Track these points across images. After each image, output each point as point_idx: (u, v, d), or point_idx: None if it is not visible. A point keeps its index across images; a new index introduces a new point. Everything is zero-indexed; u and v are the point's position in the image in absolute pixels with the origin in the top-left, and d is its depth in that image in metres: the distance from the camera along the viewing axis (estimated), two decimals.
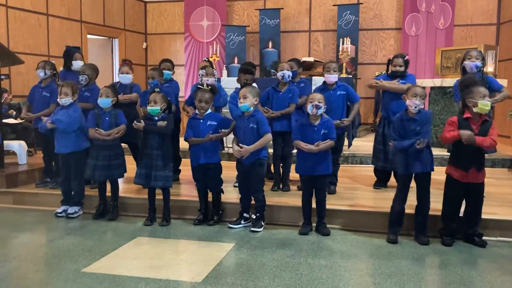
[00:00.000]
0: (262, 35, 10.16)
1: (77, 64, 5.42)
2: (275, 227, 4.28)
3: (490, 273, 3.27)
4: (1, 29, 7.38)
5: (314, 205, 4.12)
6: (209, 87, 4.30)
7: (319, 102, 3.92)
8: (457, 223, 3.82)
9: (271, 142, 4.91)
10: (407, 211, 3.91)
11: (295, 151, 4.24)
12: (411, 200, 3.90)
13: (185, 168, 5.33)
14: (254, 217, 4.21)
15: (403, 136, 3.79)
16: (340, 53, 8.08)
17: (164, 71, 5.20)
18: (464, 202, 3.82)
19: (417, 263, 3.44)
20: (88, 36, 9.43)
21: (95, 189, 4.78)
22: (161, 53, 10.74)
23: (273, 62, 9.83)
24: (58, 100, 4.49)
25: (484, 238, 3.80)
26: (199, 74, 4.98)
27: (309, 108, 3.94)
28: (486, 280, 3.15)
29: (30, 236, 4.20)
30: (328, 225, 4.14)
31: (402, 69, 4.84)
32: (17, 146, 5.90)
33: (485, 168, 3.79)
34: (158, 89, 4.48)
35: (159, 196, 4.42)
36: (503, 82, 6.41)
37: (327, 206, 4.15)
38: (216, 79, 4.96)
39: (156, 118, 4.27)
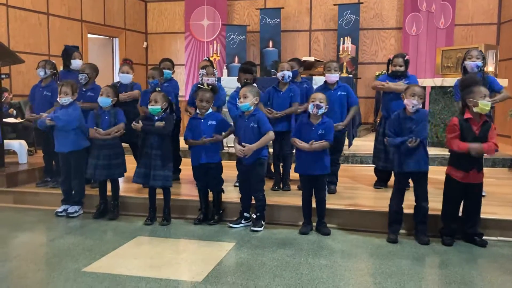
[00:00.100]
0: (263, 34, 10.16)
1: (76, 63, 5.42)
2: (276, 226, 4.28)
3: (490, 272, 3.27)
4: (2, 28, 7.38)
5: (314, 205, 4.12)
6: (210, 86, 4.30)
7: (320, 102, 3.92)
8: (457, 223, 3.82)
9: (271, 142, 4.92)
10: (407, 210, 3.91)
11: (295, 150, 4.24)
12: (411, 200, 3.90)
13: (186, 167, 5.33)
14: (254, 216, 4.21)
15: (399, 134, 3.82)
16: (341, 52, 8.07)
17: (164, 70, 5.20)
18: (463, 201, 3.82)
19: (417, 263, 3.44)
20: (89, 35, 9.43)
21: (96, 189, 4.79)
22: (161, 52, 10.73)
23: (274, 61, 9.83)
24: (58, 99, 4.49)
25: (484, 237, 3.80)
26: (200, 74, 4.98)
27: (310, 108, 3.94)
28: (487, 279, 3.15)
29: (31, 235, 4.20)
30: (328, 225, 4.14)
31: (402, 69, 4.84)
32: (18, 145, 5.91)
33: (486, 168, 3.80)
34: (159, 89, 4.47)
35: (159, 195, 4.43)
36: (503, 81, 6.41)
37: (328, 206, 4.15)
38: (216, 79, 4.95)
39: (156, 118, 4.28)
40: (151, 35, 11.31)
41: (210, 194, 4.42)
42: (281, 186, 5.01)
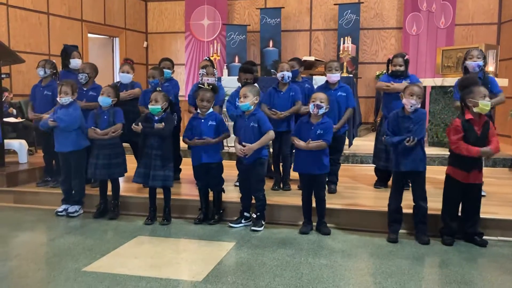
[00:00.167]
0: (263, 34, 10.16)
1: (75, 63, 5.42)
2: (276, 226, 4.28)
3: (490, 272, 3.27)
4: (2, 28, 7.38)
5: (314, 205, 4.12)
6: (210, 86, 4.30)
7: (321, 102, 3.91)
8: (457, 223, 3.82)
9: (271, 141, 4.92)
10: (407, 210, 3.91)
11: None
12: (411, 200, 3.90)
13: (186, 167, 5.34)
14: (254, 216, 4.21)
15: (397, 133, 3.82)
16: (341, 52, 8.07)
17: (164, 70, 5.21)
18: (463, 202, 3.82)
19: (417, 263, 3.44)
20: (89, 35, 9.43)
21: (96, 188, 4.80)
22: (161, 52, 10.73)
23: (274, 61, 9.83)
24: (57, 99, 4.49)
25: (484, 237, 3.80)
26: (199, 73, 4.99)
27: (311, 108, 3.94)
28: (487, 279, 3.15)
29: (31, 235, 4.20)
30: (328, 224, 4.14)
31: (402, 68, 4.84)
32: (18, 145, 5.90)
33: (486, 168, 3.81)
34: (160, 88, 4.48)
35: (159, 195, 4.43)
36: (504, 81, 6.42)
37: (328, 206, 4.15)
38: (216, 79, 4.95)
39: (156, 118, 4.28)
40: (151, 34, 11.31)
41: (211, 194, 4.42)
42: (281, 185, 5.01)
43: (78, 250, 3.68)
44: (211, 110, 4.29)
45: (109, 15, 9.95)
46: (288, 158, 4.97)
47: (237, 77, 4.98)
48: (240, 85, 4.70)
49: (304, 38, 10.44)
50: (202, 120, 4.24)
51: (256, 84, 4.45)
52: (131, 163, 4.75)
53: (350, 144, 6.41)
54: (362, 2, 9.75)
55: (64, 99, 4.44)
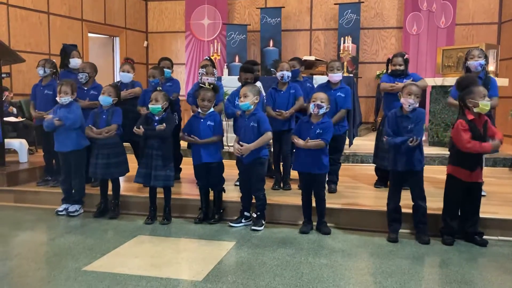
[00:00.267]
0: (263, 33, 10.16)
1: (74, 62, 5.42)
2: (276, 225, 4.28)
3: (490, 272, 3.27)
4: (2, 27, 7.38)
5: (314, 204, 4.12)
6: (211, 85, 4.31)
7: (321, 102, 3.91)
8: (458, 222, 3.82)
9: (271, 141, 4.92)
10: (407, 210, 3.91)
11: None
12: (411, 199, 3.89)
13: (186, 166, 5.34)
14: (254, 215, 4.22)
15: (396, 133, 3.83)
16: (341, 52, 8.07)
17: (164, 69, 5.20)
18: (463, 201, 3.83)
19: (417, 262, 3.44)
20: (89, 34, 9.43)
21: (96, 188, 4.80)
22: (162, 51, 10.73)
23: (274, 60, 9.83)
24: (57, 98, 4.48)
25: (484, 237, 3.80)
26: (199, 73, 4.99)
27: (311, 107, 3.94)
28: (487, 279, 3.15)
29: (31, 234, 4.20)
30: (328, 224, 4.14)
31: (402, 68, 4.84)
32: (18, 144, 5.91)
33: (486, 168, 3.81)
34: (160, 88, 4.47)
35: (160, 194, 4.43)
36: (504, 81, 6.43)
37: (328, 205, 4.15)
38: (215, 78, 4.95)
39: (157, 118, 4.28)
40: (151, 34, 11.31)
41: (211, 194, 4.42)
42: (282, 185, 5.02)
43: (79, 249, 3.68)
44: (211, 110, 4.29)
45: (109, 15, 9.95)
46: (288, 157, 4.97)
47: (238, 76, 4.98)
48: (241, 85, 4.70)
49: (304, 37, 10.44)
50: (202, 120, 4.24)
51: (257, 83, 4.45)
52: (132, 162, 4.75)
53: (351, 143, 6.41)
54: (363, 2, 9.75)
55: (64, 98, 4.44)
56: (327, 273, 3.20)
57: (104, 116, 4.49)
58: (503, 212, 4.12)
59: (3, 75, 5.55)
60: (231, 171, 4.79)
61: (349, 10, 9.64)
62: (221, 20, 10.54)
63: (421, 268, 3.36)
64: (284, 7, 10.25)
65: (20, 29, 7.71)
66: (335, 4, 9.90)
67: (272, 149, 5.15)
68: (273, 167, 5.24)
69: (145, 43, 11.23)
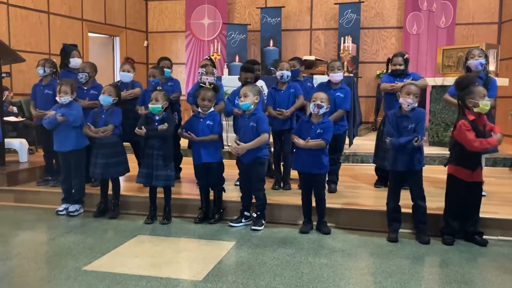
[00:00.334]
0: (263, 33, 10.16)
1: (75, 62, 5.42)
2: (276, 225, 4.28)
3: (490, 272, 3.27)
4: (2, 27, 7.38)
5: (314, 204, 4.12)
6: (212, 85, 4.30)
7: (321, 102, 3.91)
8: (459, 222, 3.82)
9: (272, 140, 4.92)
10: (407, 210, 3.91)
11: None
12: (411, 199, 3.90)
13: (186, 166, 5.34)
14: (255, 215, 4.22)
15: (396, 133, 3.81)
16: (341, 51, 8.07)
17: (164, 69, 5.20)
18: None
19: (417, 262, 3.44)
20: (89, 34, 9.43)
21: (96, 187, 4.80)
22: (162, 51, 10.73)
23: (274, 60, 9.83)
24: (57, 98, 4.48)
25: (484, 237, 3.80)
26: (199, 72, 4.98)
27: (311, 107, 3.94)
28: (487, 279, 3.15)
29: (31, 234, 4.20)
30: (328, 224, 4.14)
31: (402, 67, 4.84)
32: (18, 144, 5.91)
33: (486, 167, 3.81)
34: (160, 87, 4.47)
35: (160, 194, 4.43)
36: (504, 81, 6.42)
37: (328, 205, 4.15)
38: (215, 78, 4.95)
39: (157, 118, 4.28)
40: (151, 34, 11.31)
41: (211, 193, 4.43)
42: (282, 185, 5.02)
43: (79, 249, 3.68)
44: (212, 109, 4.29)
45: (109, 14, 9.95)
46: (289, 157, 4.97)
47: (238, 76, 4.98)
48: (241, 84, 4.70)
49: (304, 37, 10.44)
50: (201, 120, 4.24)
51: (261, 83, 4.44)
52: (132, 162, 4.75)
53: (351, 143, 6.41)
54: (363, 2, 9.74)
55: (63, 98, 4.44)
56: (327, 273, 3.20)
57: (103, 116, 4.49)
58: (503, 212, 4.12)
59: (3, 75, 5.55)
60: (231, 171, 4.79)
61: (349, 10, 9.64)
62: (221, 19, 10.54)
63: (421, 268, 3.36)
64: (284, 6, 10.24)
65: (20, 29, 7.71)
66: (335, 3, 9.90)
67: (272, 149, 5.16)
68: (273, 167, 5.24)
69: (145, 42, 11.23)
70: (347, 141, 5.81)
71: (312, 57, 7.97)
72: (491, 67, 6.95)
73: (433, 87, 7.07)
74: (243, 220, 4.26)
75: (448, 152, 3.94)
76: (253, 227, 4.14)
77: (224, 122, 4.63)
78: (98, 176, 4.57)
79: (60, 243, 3.83)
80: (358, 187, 5.11)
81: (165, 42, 11.23)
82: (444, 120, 6.91)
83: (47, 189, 5.16)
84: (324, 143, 3.93)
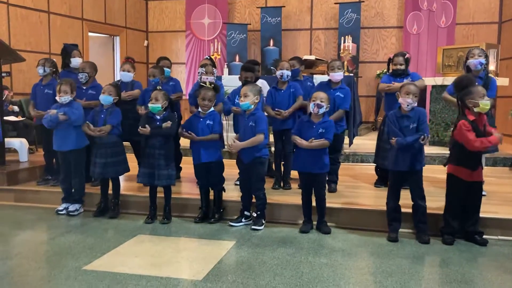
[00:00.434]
0: (264, 33, 10.16)
1: (75, 62, 5.42)
2: (276, 225, 4.28)
3: (490, 271, 3.27)
4: (3, 26, 7.38)
5: (315, 203, 4.12)
6: (212, 85, 4.30)
7: (321, 101, 3.91)
8: (459, 221, 3.82)
9: (273, 140, 4.92)
10: (407, 209, 3.91)
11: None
12: (411, 199, 3.90)
13: (186, 165, 5.34)
14: (255, 215, 4.22)
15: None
16: (342, 51, 8.07)
17: (164, 68, 5.20)
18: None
19: (418, 262, 3.44)
20: (89, 34, 9.43)
21: (96, 187, 4.80)
22: (162, 51, 10.73)
23: (274, 60, 9.83)
24: (57, 98, 4.48)
25: (485, 236, 3.80)
26: (198, 72, 4.99)
27: (311, 107, 3.93)
28: (487, 278, 3.15)
29: (31, 233, 4.20)
30: (328, 223, 4.14)
31: (402, 67, 4.85)
32: (18, 143, 5.91)
33: (487, 167, 3.81)
34: (160, 87, 4.47)
35: (160, 194, 4.43)
36: (504, 81, 6.42)
37: (328, 205, 4.15)
38: (215, 78, 4.95)
39: (159, 117, 4.28)
40: (152, 33, 11.31)
41: (211, 193, 4.43)
42: (282, 184, 5.02)
43: (79, 248, 3.68)
44: (212, 109, 4.29)
45: (109, 14, 9.95)
46: (290, 156, 4.96)
47: (238, 76, 4.98)
48: (241, 84, 4.69)
49: (304, 37, 10.44)
50: (201, 119, 4.24)
51: (263, 82, 4.44)
52: (132, 162, 4.75)
53: (351, 143, 6.41)
54: (363, 1, 9.74)
55: (63, 98, 4.44)
56: (327, 273, 3.20)
57: (102, 116, 4.49)
58: (503, 211, 4.12)
59: (3, 74, 5.55)
60: (231, 170, 4.79)
61: (350, 10, 9.64)
62: (221, 19, 10.54)
63: (421, 268, 3.36)
64: (284, 6, 10.24)
65: (20, 28, 7.71)
66: (335, 3, 9.90)
67: (272, 149, 5.15)
68: (273, 167, 5.24)
69: (146, 42, 11.23)
70: (346, 140, 5.81)
71: (312, 57, 7.96)
72: (491, 67, 6.95)
73: (433, 87, 7.07)
74: (243, 220, 4.27)
75: (448, 152, 3.94)
76: (253, 227, 4.14)
77: (224, 122, 4.63)
78: (97, 175, 4.57)
79: (60, 243, 3.83)
80: (358, 187, 5.11)
81: (165, 42, 11.23)
82: (444, 119, 6.91)
83: (47, 188, 5.16)
84: (328, 143, 3.94)
